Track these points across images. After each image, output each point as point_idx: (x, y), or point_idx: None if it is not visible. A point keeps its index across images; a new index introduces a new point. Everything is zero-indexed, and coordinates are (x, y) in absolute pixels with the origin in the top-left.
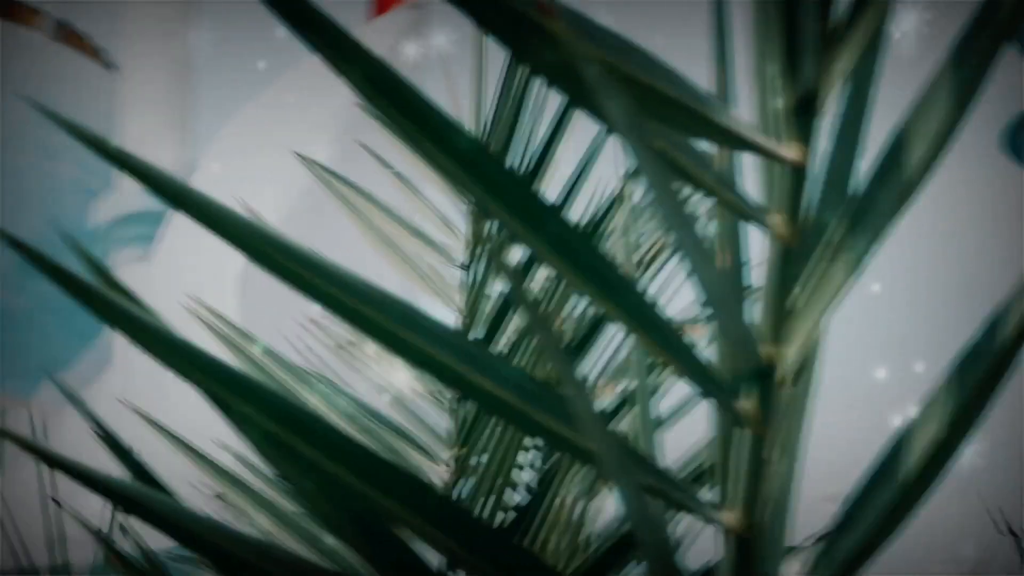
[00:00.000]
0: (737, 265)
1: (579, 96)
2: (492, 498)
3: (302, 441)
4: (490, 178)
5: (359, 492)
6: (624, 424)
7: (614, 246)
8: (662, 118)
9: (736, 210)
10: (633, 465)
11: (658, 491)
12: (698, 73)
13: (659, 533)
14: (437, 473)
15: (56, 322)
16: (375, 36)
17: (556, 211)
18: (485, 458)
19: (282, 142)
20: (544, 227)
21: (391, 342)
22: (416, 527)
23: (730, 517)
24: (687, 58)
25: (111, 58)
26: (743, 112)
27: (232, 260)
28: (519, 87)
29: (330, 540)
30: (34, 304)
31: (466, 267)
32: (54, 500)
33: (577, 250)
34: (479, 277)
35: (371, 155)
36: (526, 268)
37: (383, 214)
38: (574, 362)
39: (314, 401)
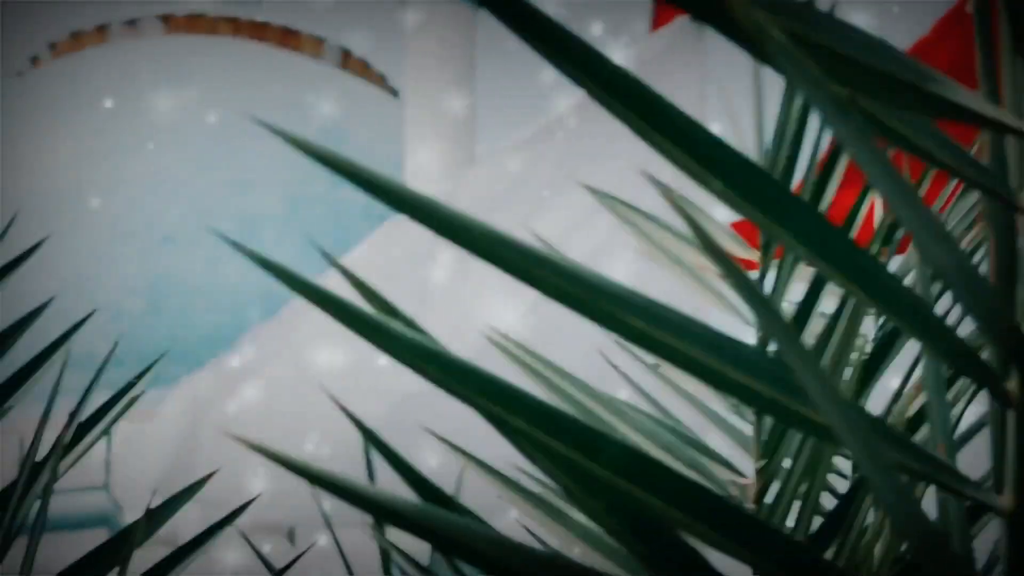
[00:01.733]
0: (1003, 246)
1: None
2: (800, 507)
3: (585, 458)
4: (775, 204)
5: (650, 507)
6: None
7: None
8: (886, 97)
9: (982, 189)
10: (890, 447)
11: (923, 474)
12: None
13: (920, 518)
14: (742, 486)
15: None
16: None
17: (843, 234)
18: (790, 467)
19: (562, 169)
20: (830, 250)
21: (690, 366)
22: (716, 541)
23: (1004, 499)
24: None
25: (393, 85)
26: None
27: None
28: (799, 107)
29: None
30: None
31: (760, 278)
32: None
33: (865, 270)
34: (774, 287)
35: (650, 180)
36: (820, 281)
37: (669, 234)
38: (876, 371)
39: (613, 421)
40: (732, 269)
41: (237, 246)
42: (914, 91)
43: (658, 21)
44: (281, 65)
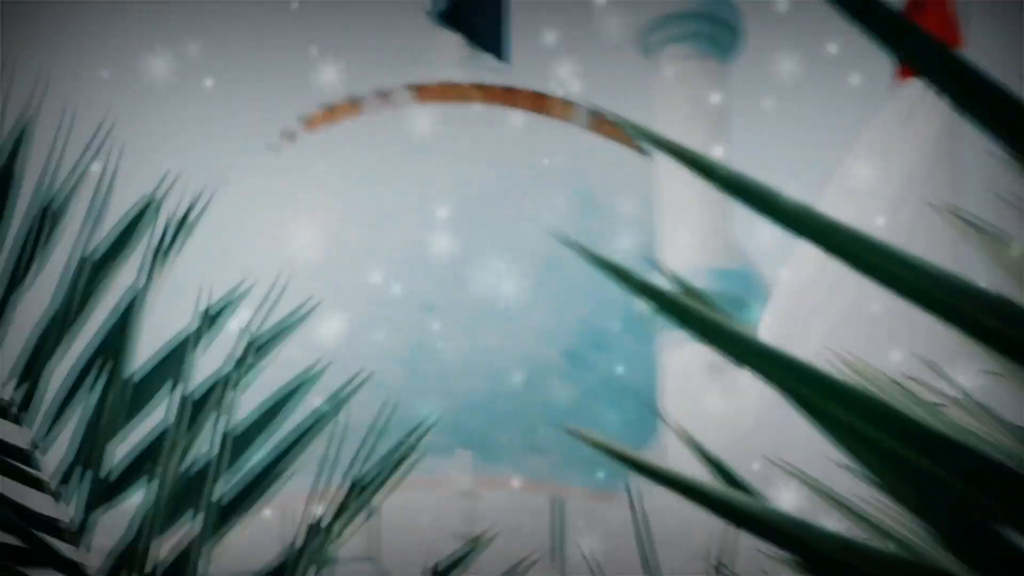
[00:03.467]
0: None
1: None
2: None
3: (903, 445)
4: None
5: (970, 499)
6: None
7: None
8: None
9: None
10: None
11: None
12: None
13: None
14: None
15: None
16: None
17: None
18: None
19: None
20: None
21: None
22: None
23: None
24: None
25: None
26: None
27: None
28: None
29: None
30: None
31: None
32: None
33: None
34: None
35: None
36: None
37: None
38: None
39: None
40: None
41: (586, 253)
42: None
43: (907, 69)
44: (530, 129)
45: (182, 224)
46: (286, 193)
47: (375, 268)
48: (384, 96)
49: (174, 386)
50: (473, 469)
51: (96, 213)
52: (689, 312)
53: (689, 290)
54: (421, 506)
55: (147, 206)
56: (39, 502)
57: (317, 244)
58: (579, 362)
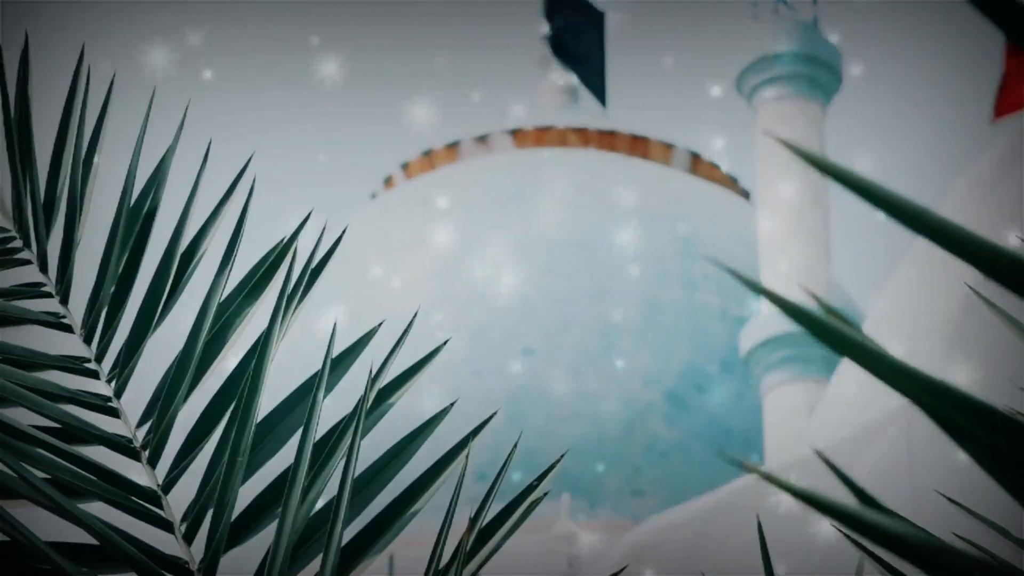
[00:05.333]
0: None
1: None
2: None
3: None
4: None
5: None
6: None
7: None
8: None
9: None
10: None
11: None
12: None
13: None
14: None
15: (705, 452)
16: None
17: None
18: None
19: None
20: None
21: None
22: None
23: None
24: None
25: (743, 187)
26: None
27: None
28: None
29: None
30: (685, 435)
31: None
32: None
33: None
34: None
35: None
36: None
37: None
38: None
39: None
40: None
41: (736, 274)
42: None
43: (1002, 108)
44: (630, 173)
45: (313, 267)
46: (386, 239)
47: (476, 312)
48: (482, 141)
49: (301, 429)
50: (573, 512)
51: (231, 255)
52: (841, 336)
53: (834, 312)
54: (520, 549)
55: (283, 249)
56: (166, 543)
57: (418, 288)
58: (681, 404)
